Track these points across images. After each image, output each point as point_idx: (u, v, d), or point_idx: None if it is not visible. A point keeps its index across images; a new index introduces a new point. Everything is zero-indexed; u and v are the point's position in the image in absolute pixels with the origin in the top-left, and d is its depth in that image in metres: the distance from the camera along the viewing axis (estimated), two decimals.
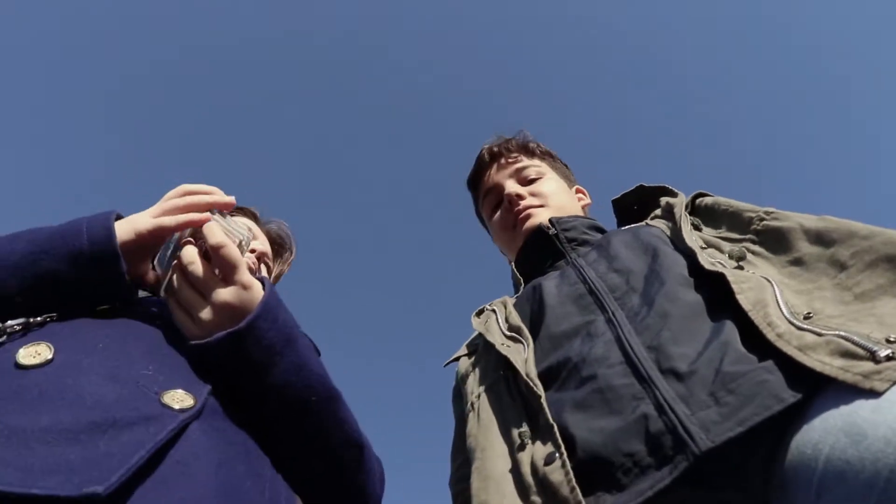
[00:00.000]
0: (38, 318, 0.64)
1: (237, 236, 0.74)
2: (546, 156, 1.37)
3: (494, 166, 1.33)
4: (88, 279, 0.67)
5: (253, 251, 1.10)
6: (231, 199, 0.78)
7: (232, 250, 0.68)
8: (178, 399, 0.57)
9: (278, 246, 1.32)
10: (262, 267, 1.15)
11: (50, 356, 0.57)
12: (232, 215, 1.18)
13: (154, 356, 0.63)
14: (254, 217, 1.27)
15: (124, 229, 0.70)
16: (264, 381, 0.65)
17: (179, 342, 0.67)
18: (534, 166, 1.30)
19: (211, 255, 0.68)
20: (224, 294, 0.66)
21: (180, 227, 0.72)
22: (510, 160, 1.31)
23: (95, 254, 0.66)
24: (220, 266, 0.68)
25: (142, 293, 0.79)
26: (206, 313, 0.66)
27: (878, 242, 0.68)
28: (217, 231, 0.70)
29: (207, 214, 0.74)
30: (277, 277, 1.27)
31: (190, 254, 0.69)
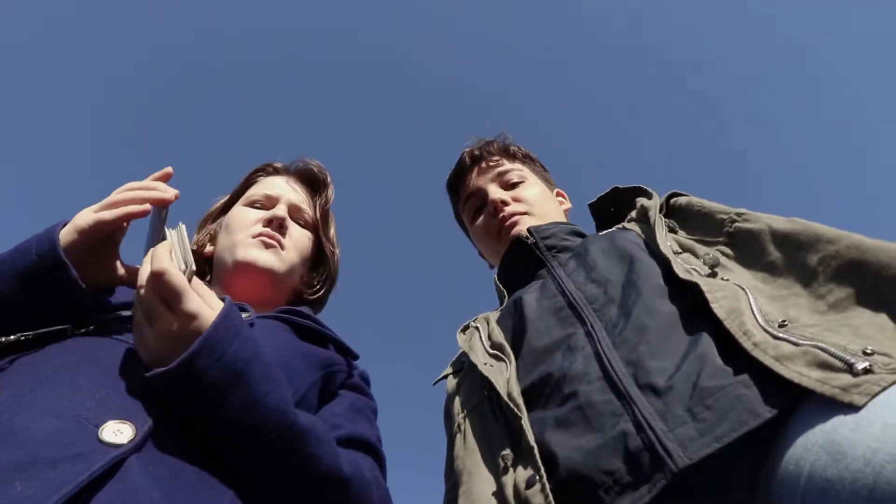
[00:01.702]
0: (11, 338, 0.64)
1: (182, 262, 0.69)
2: (527, 159, 1.37)
3: (475, 170, 1.32)
4: (44, 293, 0.67)
5: (270, 221, 1.04)
6: (172, 193, 0.76)
7: (174, 277, 0.63)
8: (118, 432, 0.55)
9: (308, 182, 1.20)
10: (288, 232, 1.07)
11: None
12: (263, 174, 1.17)
13: (108, 381, 0.62)
14: (273, 171, 1.19)
15: (67, 232, 0.70)
16: (213, 417, 0.62)
17: (140, 366, 0.64)
18: (515, 170, 1.29)
19: (153, 282, 0.64)
20: (164, 323, 0.63)
21: (119, 219, 0.71)
22: (491, 163, 1.30)
23: (44, 266, 0.66)
24: (162, 294, 0.63)
25: (125, 312, 0.77)
26: (150, 341, 0.64)
27: (843, 247, 0.68)
28: (160, 254, 0.65)
29: (147, 206, 0.73)
30: (325, 214, 1.17)
31: (143, 276, 0.66)
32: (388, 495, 0.82)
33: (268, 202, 1.10)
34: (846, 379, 0.53)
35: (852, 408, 0.52)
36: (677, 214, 0.99)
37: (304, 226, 1.13)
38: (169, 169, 0.79)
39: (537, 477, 0.68)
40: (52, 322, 0.69)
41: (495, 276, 1.21)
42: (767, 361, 0.60)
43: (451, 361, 1.12)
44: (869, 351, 0.55)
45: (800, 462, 0.53)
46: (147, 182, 0.77)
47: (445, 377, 1.08)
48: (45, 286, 0.67)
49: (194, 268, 0.68)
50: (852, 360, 0.54)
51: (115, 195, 0.74)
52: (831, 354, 0.56)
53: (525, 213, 1.20)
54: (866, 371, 0.53)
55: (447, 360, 1.13)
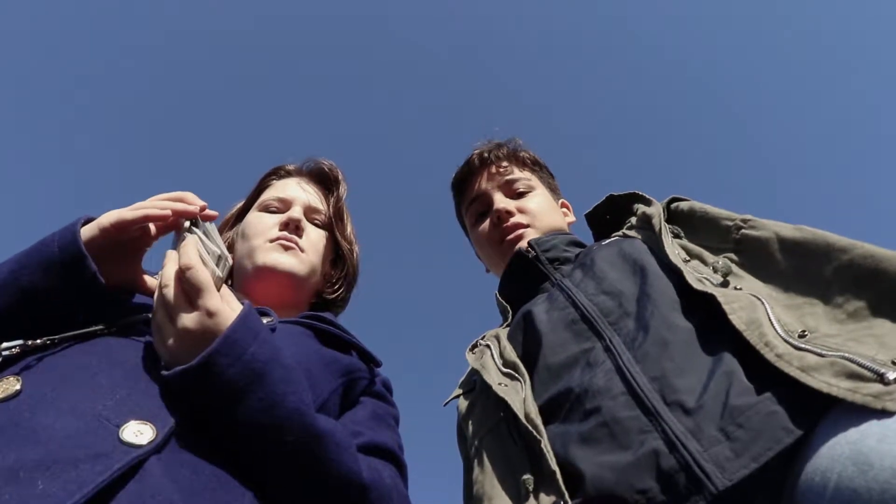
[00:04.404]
0: (38, 341, 0.65)
1: (212, 256, 0.70)
2: (536, 167, 1.36)
3: (484, 173, 1.31)
4: (65, 287, 0.68)
5: (286, 224, 1.04)
6: (197, 206, 0.76)
7: (199, 273, 0.65)
8: (138, 432, 0.55)
9: (320, 181, 1.19)
10: (305, 233, 1.06)
11: (17, 388, 0.57)
12: (275, 177, 1.16)
13: (129, 382, 0.62)
14: (285, 174, 1.18)
15: (90, 228, 0.71)
16: (231, 418, 0.62)
17: (160, 367, 0.65)
18: (524, 179, 1.29)
19: (179, 275, 0.66)
20: (185, 319, 0.63)
21: (138, 220, 0.72)
22: (500, 169, 1.30)
23: (65, 259, 0.67)
24: (186, 289, 0.65)
25: (147, 314, 0.77)
26: (170, 339, 0.64)
27: (858, 256, 0.69)
28: (188, 252, 0.67)
29: (168, 212, 0.73)
30: (339, 211, 1.15)
31: (167, 275, 0.67)
32: (408, 503, 0.81)
33: (282, 205, 1.10)
34: (877, 387, 0.54)
35: (884, 415, 0.52)
36: (680, 220, 0.99)
37: (320, 226, 1.13)
38: (214, 213, 0.79)
39: (562, 502, 0.67)
40: (76, 320, 0.70)
41: (497, 292, 1.20)
42: (793, 373, 0.60)
43: (461, 381, 1.10)
44: None
45: (826, 473, 0.53)
46: (175, 194, 0.77)
47: (457, 397, 1.07)
48: (66, 278, 0.67)
49: (230, 261, 0.69)
50: (882, 370, 0.54)
51: (142, 202, 0.75)
52: (860, 365, 0.56)
53: (528, 225, 1.20)
54: None
55: (459, 357, 1.10)
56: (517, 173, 1.30)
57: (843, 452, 0.53)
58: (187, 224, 0.75)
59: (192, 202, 0.76)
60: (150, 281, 0.80)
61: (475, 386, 1.02)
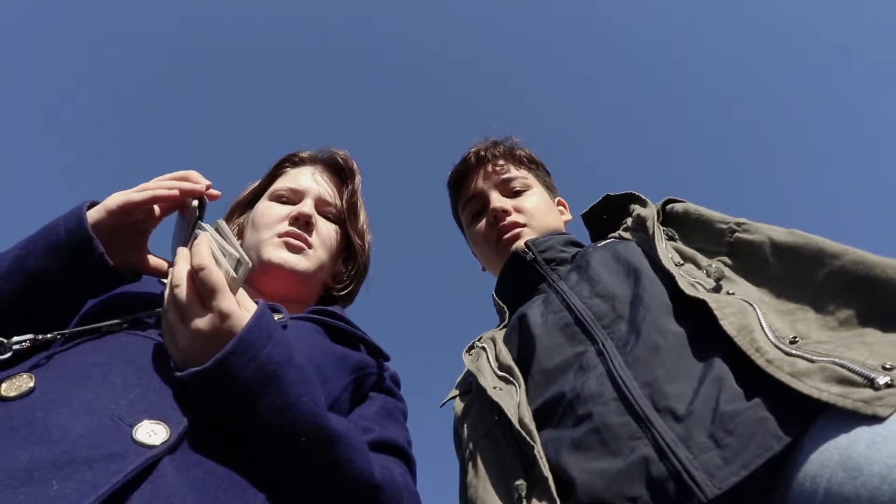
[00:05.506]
0: (48, 336, 0.65)
1: (228, 258, 0.68)
2: (532, 165, 1.35)
3: (481, 172, 1.30)
4: (72, 270, 0.68)
5: (297, 219, 1.01)
6: (203, 184, 0.76)
7: (211, 273, 0.64)
8: (152, 432, 0.55)
9: (335, 172, 1.15)
10: (315, 228, 1.04)
11: (31, 386, 0.56)
12: (289, 164, 1.14)
13: (141, 381, 0.61)
14: (299, 162, 1.16)
15: (96, 210, 0.71)
16: (245, 420, 0.61)
17: (172, 366, 0.65)
18: (520, 177, 1.29)
19: (192, 276, 0.65)
20: (198, 321, 0.62)
21: (146, 201, 0.72)
22: (497, 168, 1.29)
23: (72, 242, 0.67)
24: (199, 289, 0.64)
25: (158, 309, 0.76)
26: (182, 340, 0.63)
27: (849, 262, 0.68)
28: (202, 251, 0.66)
29: (175, 192, 0.74)
30: (352, 205, 1.12)
31: (178, 275, 0.66)
32: (418, 500, 0.82)
33: (294, 196, 1.08)
34: (868, 393, 0.54)
35: (874, 420, 0.52)
36: (675, 222, 0.99)
37: (332, 219, 1.10)
38: (218, 193, 0.80)
39: None
40: (82, 305, 0.71)
41: (493, 292, 1.20)
42: (783, 378, 0.60)
43: (457, 382, 1.11)
44: (888, 366, 0.55)
45: (816, 479, 0.54)
46: (179, 173, 0.77)
47: (453, 398, 1.08)
48: (73, 261, 0.68)
49: (250, 264, 0.68)
50: (873, 375, 0.54)
51: (147, 183, 0.75)
52: (850, 370, 0.56)
53: (524, 225, 1.20)
54: (888, 385, 0.53)
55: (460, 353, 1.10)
56: (514, 172, 1.29)
57: (832, 458, 0.53)
58: (195, 203, 0.75)
59: (198, 181, 0.76)
60: (155, 261, 0.81)
61: (471, 387, 1.03)
